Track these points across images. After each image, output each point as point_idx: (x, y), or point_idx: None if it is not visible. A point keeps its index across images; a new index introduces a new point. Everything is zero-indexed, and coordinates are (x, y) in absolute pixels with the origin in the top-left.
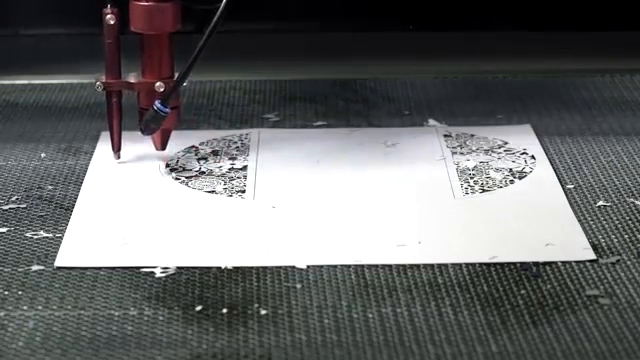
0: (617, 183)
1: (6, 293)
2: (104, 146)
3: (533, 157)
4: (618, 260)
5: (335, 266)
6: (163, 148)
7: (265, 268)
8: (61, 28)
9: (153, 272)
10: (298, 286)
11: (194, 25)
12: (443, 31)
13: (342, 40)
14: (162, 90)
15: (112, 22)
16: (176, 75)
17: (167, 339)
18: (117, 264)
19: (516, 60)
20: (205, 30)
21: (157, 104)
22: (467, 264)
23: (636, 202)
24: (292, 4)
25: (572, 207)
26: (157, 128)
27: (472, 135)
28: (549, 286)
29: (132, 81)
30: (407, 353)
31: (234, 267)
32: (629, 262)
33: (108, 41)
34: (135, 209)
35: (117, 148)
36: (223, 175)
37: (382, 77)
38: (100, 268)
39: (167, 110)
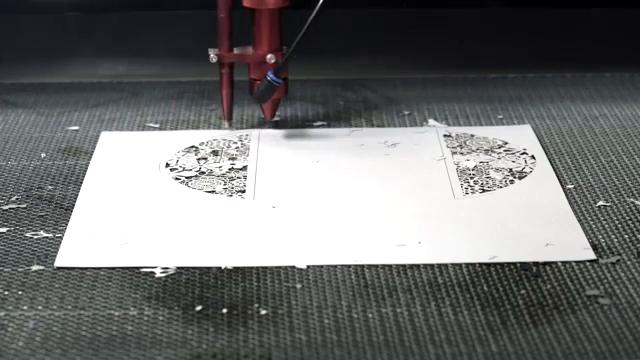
0: (617, 183)
1: (6, 293)
2: (104, 146)
3: (533, 157)
4: (618, 260)
5: (335, 266)
6: (272, 117)
7: (265, 268)
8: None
9: (153, 272)
10: (298, 286)
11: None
12: (437, 7)
13: (342, 39)
14: (273, 62)
15: None
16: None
17: (167, 339)
18: (117, 264)
19: (516, 60)
20: (314, 5)
21: (270, 75)
22: (467, 264)
23: (636, 202)
24: None
25: (572, 207)
26: (269, 98)
27: (472, 135)
28: (549, 286)
29: (244, 53)
30: (407, 353)
31: (234, 267)
32: (629, 262)
33: (221, 15)
34: (135, 209)
35: (228, 116)
36: (223, 175)
37: (382, 77)
38: (100, 268)
39: (280, 81)
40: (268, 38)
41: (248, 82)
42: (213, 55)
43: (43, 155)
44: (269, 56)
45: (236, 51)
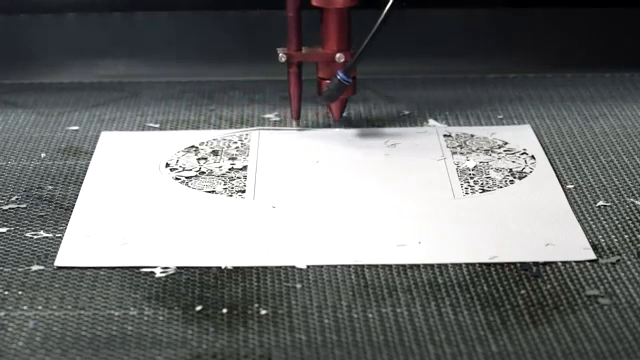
0: (617, 183)
1: (6, 293)
2: (104, 146)
3: (533, 157)
4: (618, 260)
5: (335, 266)
6: (340, 117)
7: (265, 268)
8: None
9: (153, 272)
10: (298, 286)
11: None
12: (437, 8)
13: None
14: (342, 61)
15: None
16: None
17: (167, 339)
18: (117, 264)
19: (516, 59)
20: (383, 4)
21: (340, 74)
22: (467, 264)
23: (636, 202)
24: None
25: (572, 207)
26: (338, 97)
27: (472, 135)
28: (549, 286)
29: (312, 52)
30: (407, 353)
31: (234, 267)
32: (629, 262)
33: (289, 14)
34: (135, 209)
35: (296, 115)
36: (223, 175)
37: (382, 77)
38: (100, 268)
39: (350, 80)
40: (337, 37)
41: (316, 81)
42: (282, 54)
43: (43, 155)
44: (338, 55)
45: (304, 50)
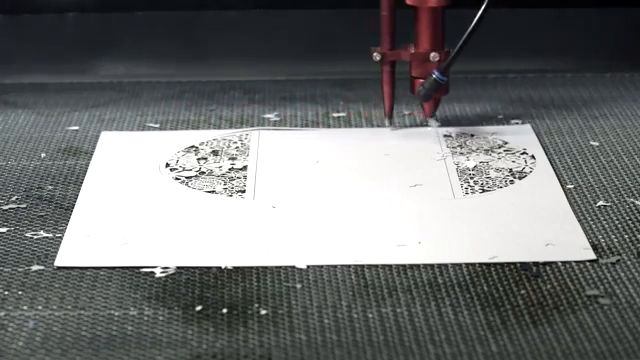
0: (617, 183)
1: (6, 293)
2: (104, 146)
3: (533, 157)
4: (618, 260)
5: (335, 266)
6: (432, 115)
7: (265, 268)
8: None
9: (153, 272)
10: (298, 286)
11: None
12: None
13: (341, 39)
14: (437, 60)
15: None
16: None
17: (167, 339)
18: (117, 264)
19: (516, 59)
20: (477, 4)
21: (436, 73)
22: (467, 264)
23: (636, 202)
24: None
25: (572, 207)
26: (434, 96)
27: (472, 135)
28: (549, 286)
29: (406, 51)
30: (407, 353)
31: (234, 267)
32: (629, 262)
33: (384, 13)
34: (135, 209)
35: (389, 114)
36: (223, 175)
37: None
38: (100, 268)
39: (445, 79)
40: (430, 36)
41: (409, 80)
42: (376, 54)
43: (43, 155)
44: (432, 54)
45: (398, 49)
